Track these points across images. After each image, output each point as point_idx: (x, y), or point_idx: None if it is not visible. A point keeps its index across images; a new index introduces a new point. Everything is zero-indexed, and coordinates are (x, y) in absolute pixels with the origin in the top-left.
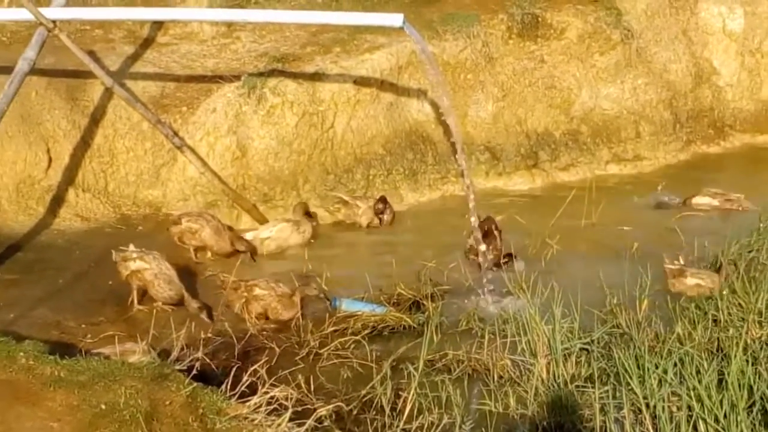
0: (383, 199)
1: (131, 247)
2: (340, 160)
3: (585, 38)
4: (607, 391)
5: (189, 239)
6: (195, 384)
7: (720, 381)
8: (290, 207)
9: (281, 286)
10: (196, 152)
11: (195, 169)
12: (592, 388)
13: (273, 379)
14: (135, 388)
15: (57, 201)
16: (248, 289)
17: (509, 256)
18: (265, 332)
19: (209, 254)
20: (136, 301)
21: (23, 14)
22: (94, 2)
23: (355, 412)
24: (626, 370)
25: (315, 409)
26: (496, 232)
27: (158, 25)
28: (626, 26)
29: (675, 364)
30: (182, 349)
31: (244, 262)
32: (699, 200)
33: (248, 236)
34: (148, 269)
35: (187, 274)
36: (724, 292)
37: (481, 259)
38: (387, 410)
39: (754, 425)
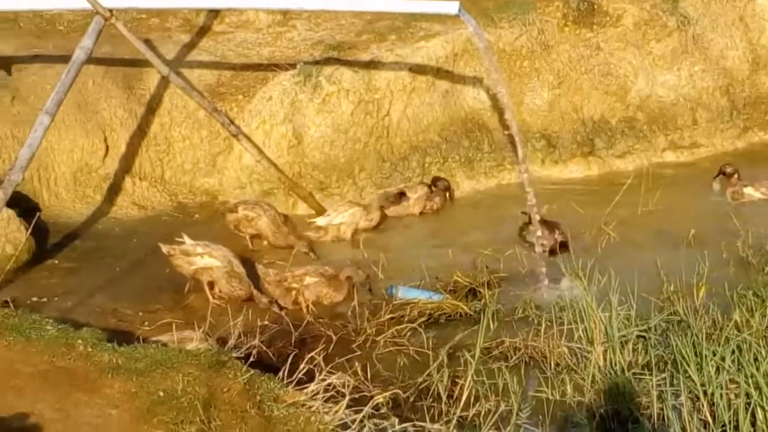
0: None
1: (186, 239)
2: (396, 147)
3: (641, 25)
4: (665, 378)
5: (245, 227)
6: (252, 371)
7: None
8: (345, 195)
9: (328, 269)
10: (252, 140)
11: (251, 157)
12: (650, 375)
13: (330, 366)
14: (193, 376)
15: (114, 189)
16: (298, 280)
17: (564, 245)
18: (321, 320)
19: (265, 242)
20: (210, 296)
21: (80, 3)
22: None
23: (411, 400)
24: (684, 358)
25: (372, 397)
26: (556, 222)
27: (214, 13)
28: (682, 13)
29: (733, 352)
30: (239, 336)
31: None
32: (747, 191)
33: (321, 222)
34: (218, 266)
35: (244, 263)
36: None
37: (536, 246)
38: (443, 397)
39: None
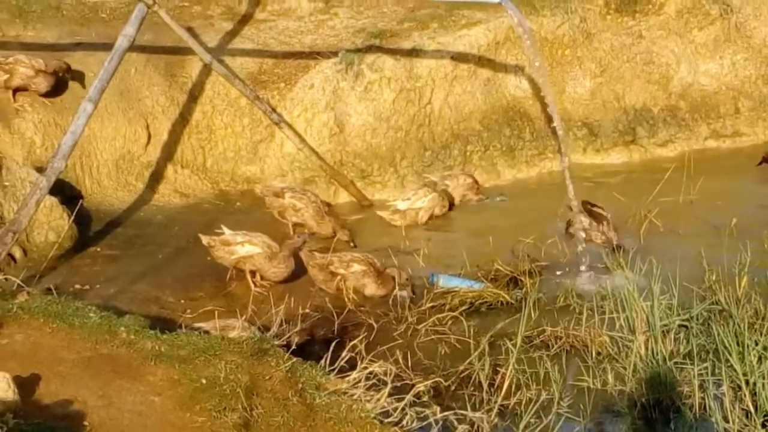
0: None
1: (225, 229)
2: (438, 136)
3: (683, 13)
4: (707, 367)
5: (291, 215)
6: (294, 359)
7: None
8: (386, 183)
9: (376, 261)
10: (293, 128)
11: (293, 145)
12: (691, 364)
13: (371, 354)
14: (235, 363)
15: (156, 177)
16: (345, 265)
17: (619, 247)
18: (363, 308)
19: (306, 230)
20: (251, 284)
21: None
22: None
23: (453, 388)
24: (725, 347)
25: (413, 385)
26: (604, 214)
27: (256, 1)
28: (725, 1)
29: None
30: (281, 324)
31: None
32: None
33: (401, 206)
34: (259, 253)
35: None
36: None
37: (580, 235)
38: (485, 386)
39: None
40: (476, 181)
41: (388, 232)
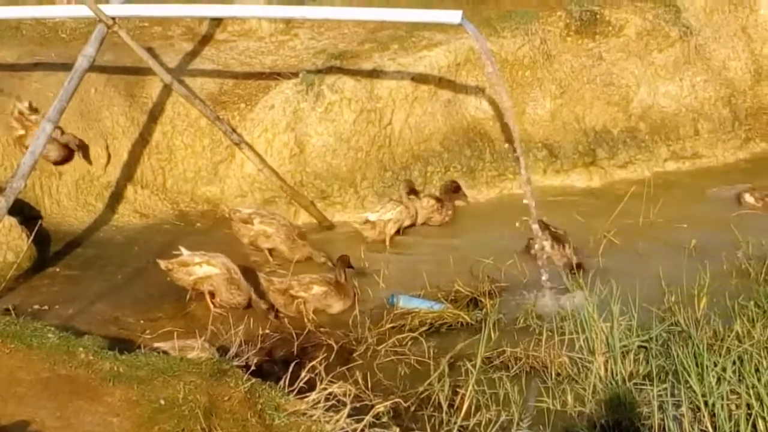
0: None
1: (183, 250)
2: (398, 156)
3: (643, 35)
4: (666, 388)
5: (262, 242)
6: (254, 380)
7: None
8: (347, 204)
9: (329, 276)
10: (254, 149)
11: (253, 166)
12: (651, 385)
13: (331, 375)
14: (194, 384)
15: (115, 197)
16: (306, 288)
17: (579, 266)
18: (322, 329)
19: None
20: (211, 305)
21: (83, 11)
22: None
23: (412, 409)
24: (685, 368)
25: (373, 406)
26: (562, 235)
27: (216, 22)
28: (685, 23)
29: (734, 362)
30: (240, 345)
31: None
32: (746, 198)
33: (372, 218)
34: (217, 274)
35: (244, 271)
36: None
37: (541, 255)
38: (444, 407)
39: None
40: (440, 200)
41: (347, 253)
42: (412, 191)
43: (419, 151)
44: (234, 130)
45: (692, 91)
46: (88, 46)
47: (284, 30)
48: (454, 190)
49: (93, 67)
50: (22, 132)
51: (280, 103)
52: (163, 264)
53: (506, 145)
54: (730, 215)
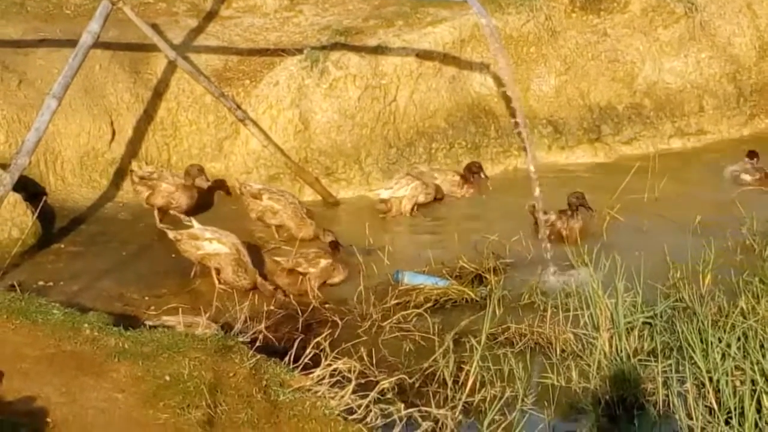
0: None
1: (195, 223)
2: (403, 133)
3: (648, 11)
4: (670, 364)
5: (270, 218)
6: (259, 356)
7: None
8: (351, 180)
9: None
10: (258, 125)
11: (258, 143)
12: (655, 362)
13: (336, 351)
14: (199, 360)
15: (120, 174)
16: (314, 263)
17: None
18: (327, 305)
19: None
20: (216, 281)
21: None
22: None
23: (417, 385)
24: (689, 344)
25: (378, 382)
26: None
27: None
28: None
29: (738, 339)
30: (245, 321)
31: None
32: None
33: (384, 195)
34: (226, 253)
35: (250, 248)
36: None
37: (541, 230)
38: (449, 383)
39: None
40: (463, 177)
41: (352, 230)
42: (478, 169)
43: (424, 128)
44: (239, 107)
45: (697, 68)
46: (93, 23)
47: (289, 6)
48: (476, 170)
49: (97, 44)
50: (149, 192)
51: (284, 80)
52: (171, 234)
53: (511, 121)
54: (734, 192)
